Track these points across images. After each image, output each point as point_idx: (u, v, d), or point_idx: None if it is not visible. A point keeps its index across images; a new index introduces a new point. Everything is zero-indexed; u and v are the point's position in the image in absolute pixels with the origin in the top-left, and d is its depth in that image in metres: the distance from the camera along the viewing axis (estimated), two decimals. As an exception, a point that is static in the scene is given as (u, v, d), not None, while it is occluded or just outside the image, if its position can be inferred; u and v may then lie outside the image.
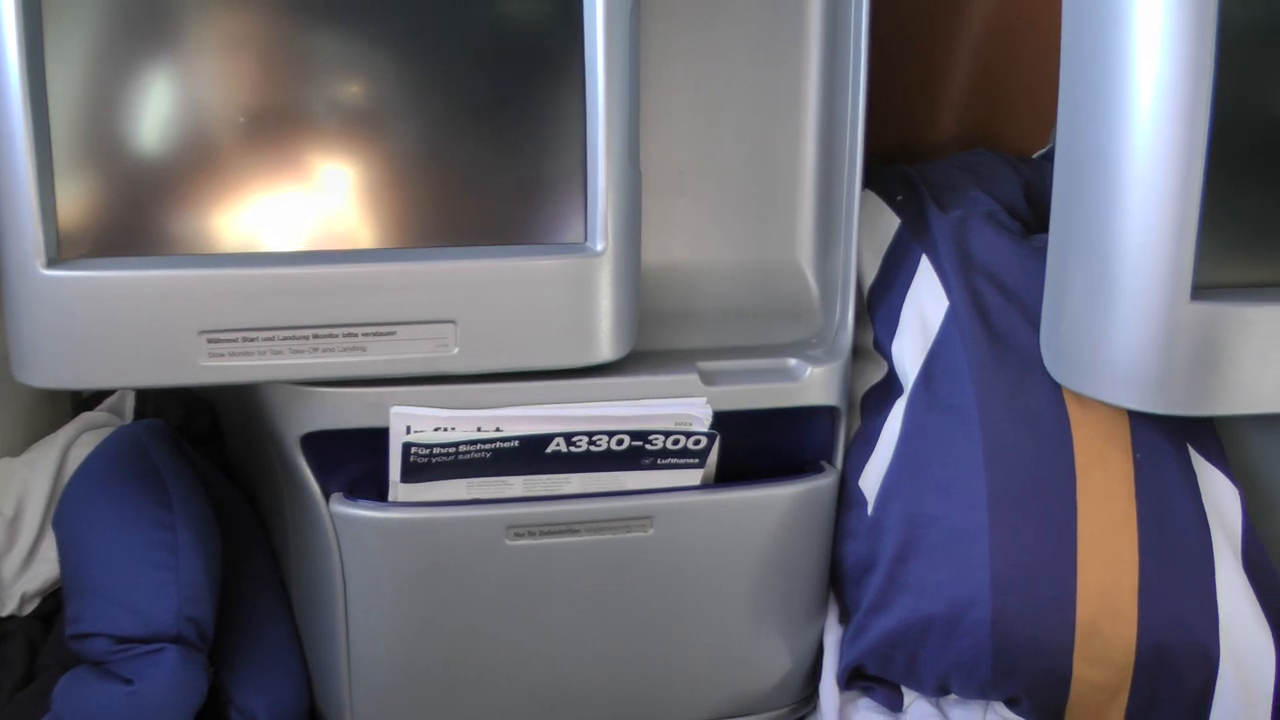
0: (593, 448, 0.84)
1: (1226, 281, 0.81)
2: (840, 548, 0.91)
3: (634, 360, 0.85)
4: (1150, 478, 0.84)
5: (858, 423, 0.94)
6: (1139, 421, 0.85)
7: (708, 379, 0.85)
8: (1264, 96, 0.81)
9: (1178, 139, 0.76)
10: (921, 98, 1.13)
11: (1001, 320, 0.88)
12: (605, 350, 0.83)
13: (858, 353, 0.95)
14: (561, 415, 0.83)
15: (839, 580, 0.92)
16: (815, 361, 0.88)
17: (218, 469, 1.03)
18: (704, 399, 0.85)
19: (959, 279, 0.89)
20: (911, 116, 1.14)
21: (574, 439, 0.84)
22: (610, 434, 0.84)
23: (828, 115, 0.90)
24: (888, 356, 0.92)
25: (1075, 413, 0.85)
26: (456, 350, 0.81)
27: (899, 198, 0.96)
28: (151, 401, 1.10)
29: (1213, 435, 0.89)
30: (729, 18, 0.89)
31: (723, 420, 0.87)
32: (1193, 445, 0.87)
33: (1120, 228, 0.79)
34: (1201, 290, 0.79)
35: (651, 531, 0.87)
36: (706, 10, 0.88)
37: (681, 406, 0.85)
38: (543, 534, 0.86)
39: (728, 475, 0.90)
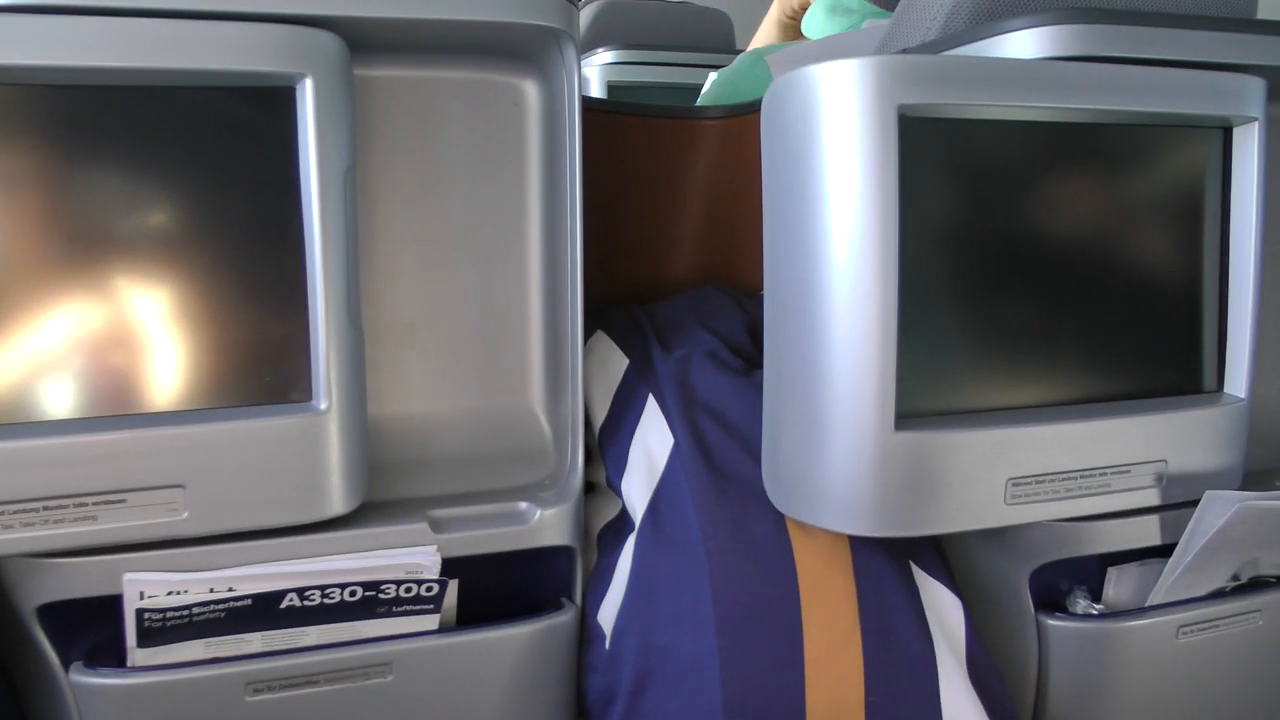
0: (326, 600, 0.90)
1: (927, 410, 0.89)
2: (584, 682, 0.97)
3: (366, 512, 0.91)
4: (872, 596, 0.91)
5: (596, 558, 1.00)
6: (859, 544, 0.93)
7: (438, 527, 0.91)
8: (948, 240, 0.90)
9: (872, 285, 0.84)
10: (659, 237, 1.22)
11: (723, 454, 0.95)
12: (335, 504, 0.89)
13: (595, 490, 1.01)
14: (292, 571, 0.89)
15: (585, 714, 0.98)
16: (546, 504, 0.94)
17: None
18: (434, 547, 0.91)
19: (682, 416, 0.97)
20: (651, 256, 1.22)
21: (307, 593, 0.89)
22: (342, 586, 0.89)
23: (551, 264, 0.97)
24: (619, 494, 0.99)
25: (798, 539, 0.92)
26: (186, 514, 0.85)
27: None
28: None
29: (933, 550, 0.97)
30: (451, 175, 0.95)
31: (460, 564, 0.92)
32: (914, 562, 0.95)
33: (826, 365, 0.87)
34: (904, 420, 0.87)
35: (391, 678, 0.92)
36: (429, 168, 0.95)
37: (411, 555, 0.91)
38: (282, 688, 0.90)
39: (475, 615, 0.95)
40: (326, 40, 0.83)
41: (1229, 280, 1.01)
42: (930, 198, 0.88)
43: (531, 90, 0.96)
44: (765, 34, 1.82)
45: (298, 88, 0.83)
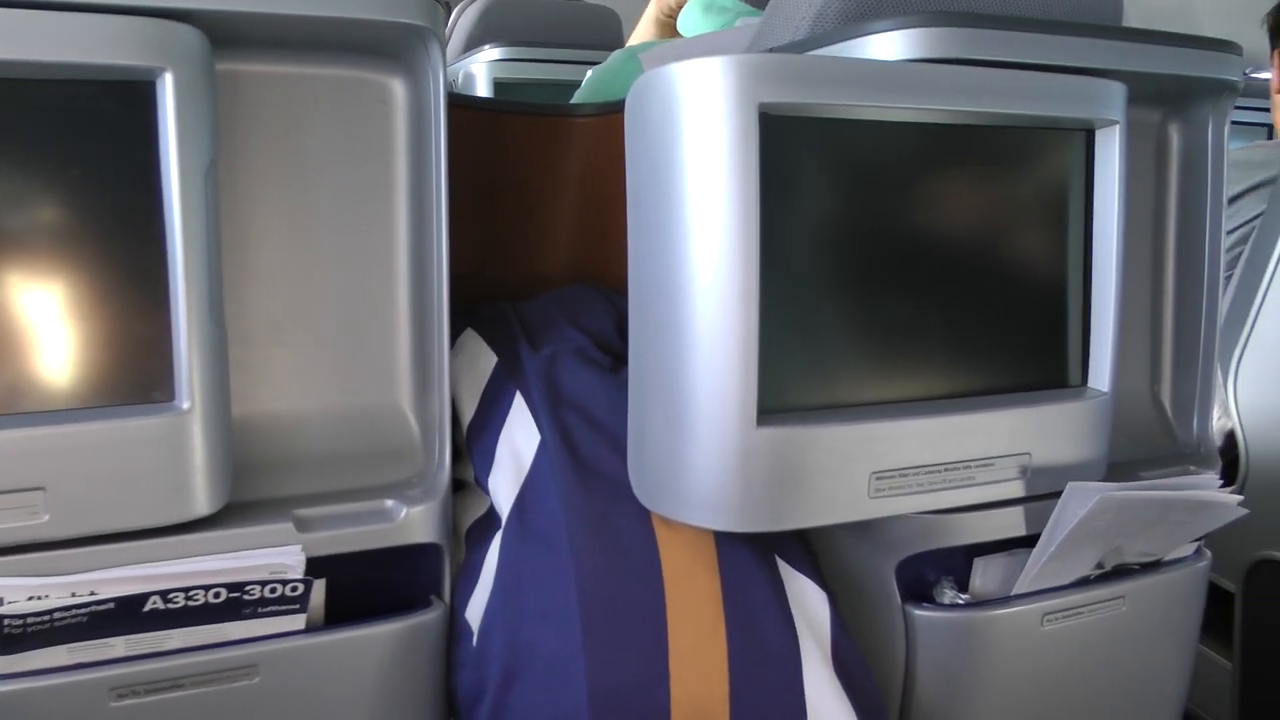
0: (190, 602, 0.90)
1: (790, 406, 0.91)
2: (453, 679, 0.98)
3: (231, 512, 0.91)
4: (737, 591, 0.93)
5: (464, 556, 1.01)
6: (724, 539, 0.94)
7: (302, 526, 0.91)
8: (812, 237, 0.92)
9: (732, 282, 0.86)
10: (534, 234, 1.23)
11: (590, 451, 0.97)
12: (199, 505, 0.89)
13: (464, 488, 1.03)
14: (154, 574, 0.88)
15: (455, 711, 1.00)
16: (412, 501, 0.95)
17: None
18: (298, 546, 0.91)
19: (549, 414, 0.98)
20: (526, 253, 1.24)
21: (170, 596, 0.89)
22: (206, 588, 0.90)
23: (418, 262, 0.97)
24: (487, 491, 1.00)
25: (663, 535, 0.94)
26: (47, 517, 0.84)
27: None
28: None
29: (799, 544, 0.99)
30: (318, 172, 0.95)
31: (327, 563, 0.93)
32: (780, 555, 0.97)
33: (687, 362, 0.88)
34: (767, 415, 0.88)
35: (258, 679, 0.92)
36: (295, 165, 0.94)
37: (275, 556, 0.91)
38: (147, 692, 0.90)
39: (345, 614, 0.96)
40: (187, 34, 0.83)
41: (1092, 277, 1.04)
42: (793, 195, 0.90)
43: (399, 88, 0.97)
44: (643, 31, 1.83)
45: (157, 82, 0.83)
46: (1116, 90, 1.01)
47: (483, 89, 2.17)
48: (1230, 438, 1.80)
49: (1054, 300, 1.03)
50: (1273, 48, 2.06)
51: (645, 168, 0.90)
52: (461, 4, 2.66)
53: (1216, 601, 1.80)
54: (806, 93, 0.88)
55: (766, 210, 0.86)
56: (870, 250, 0.94)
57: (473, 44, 2.46)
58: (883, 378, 0.95)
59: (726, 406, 0.87)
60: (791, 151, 0.89)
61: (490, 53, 2.19)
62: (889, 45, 0.96)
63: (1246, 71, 2.10)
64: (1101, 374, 1.03)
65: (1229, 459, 1.81)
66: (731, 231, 0.85)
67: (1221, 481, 1.06)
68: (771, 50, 1.05)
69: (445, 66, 0.94)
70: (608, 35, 2.60)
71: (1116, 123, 1.01)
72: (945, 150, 0.97)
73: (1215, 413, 1.73)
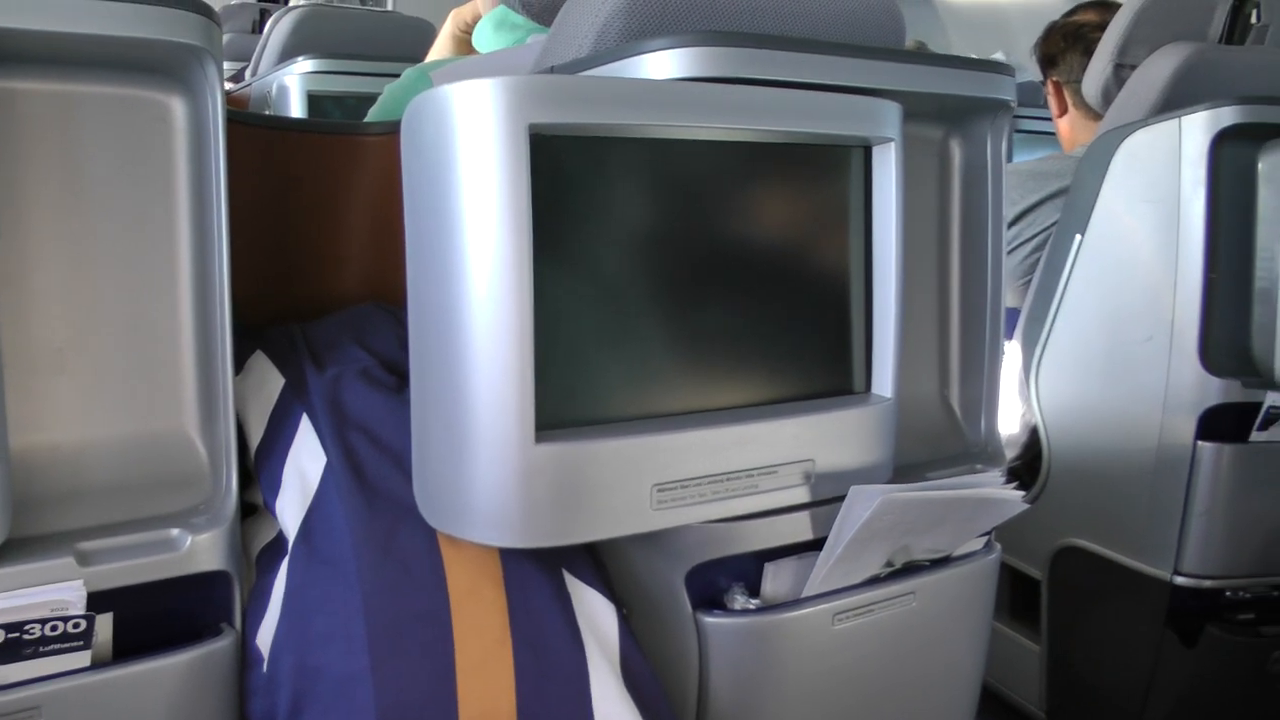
0: (-36, 645, 0.83)
1: (570, 421, 0.88)
2: (247, 706, 0.93)
3: (10, 549, 0.83)
4: (523, 606, 0.89)
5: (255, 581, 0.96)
6: (510, 554, 0.90)
7: (85, 560, 0.85)
8: (589, 254, 0.89)
9: (506, 301, 0.83)
10: (325, 254, 1.18)
11: (375, 472, 0.92)
12: (-25, 542, 0.83)
13: (255, 511, 0.97)
14: (-77, 616, 0.82)
15: (250, 739, 0.94)
16: (198, 529, 0.89)
17: None
18: (79, 581, 0.85)
19: (334, 435, 0.93)
20: (318, 273, 1.18)
21: (-58, 638, 0.83)
22: (-19, 629, 0.83)
23: (202, 284, 0.92)
24: (275, 515, 0.95)
25: (448, 553, 0.89)
26: None
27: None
28: None
29: (587, 557, 0.95)
30: (97, 192, 0.88)
31: (114, 597, 0.87)
32: (567, 569, 0.93)
33: (465, 381, 0.85)
34: (545, 432, 0.85)
35: (42, 721, 0.86)
36: (73, 185, 0.88)
37: (55, 592, 0.84)
38: (-81, 741, 0.84)
39: (136, 647, 0.90)
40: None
41: (873, 288, 1.02)
42: (569, 213, 0.87)
43: (178, 107, 0.91)
44: (440, 47, 1.79)
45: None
46: (891, 109, 0.99)
47: (296, 101, 2.09)
48: (1034, 432, 1.81)
49: (838, 310, 1.01)
50: (1044, 77, 2.10)
51: (421, 187, 0.86)
52: (275, 15, 2.57)
53: (1024, 588, 1.81)
54: (577, 113, 0.84)
55: (540, 229, 0.82)
56: (651, 266, 0.91)
57: (287, 55, 2.36)
58: (666, 391, 0.92)
59: (504, 424, 0.83)
60: (564, 170, 0.85)
61: (304, 65, 2.11)
62: (665, 64, 0.93)
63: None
64: (884, 380, 1.01)
65: (1033, 453, 1.82)
66: (504, 251, 0.81)
67: (1010, 480, 1.04)
68: (553, 69, 1.01)
69: (223, 84, 0.89)
70: (423, 48, 2.52)
71: (892, 140, 0.99)
72: (724, 166, 0.94)
73: (1019, 409, 1.73)
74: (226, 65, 2.93)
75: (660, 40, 0.93)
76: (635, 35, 0.99)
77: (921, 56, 1.09)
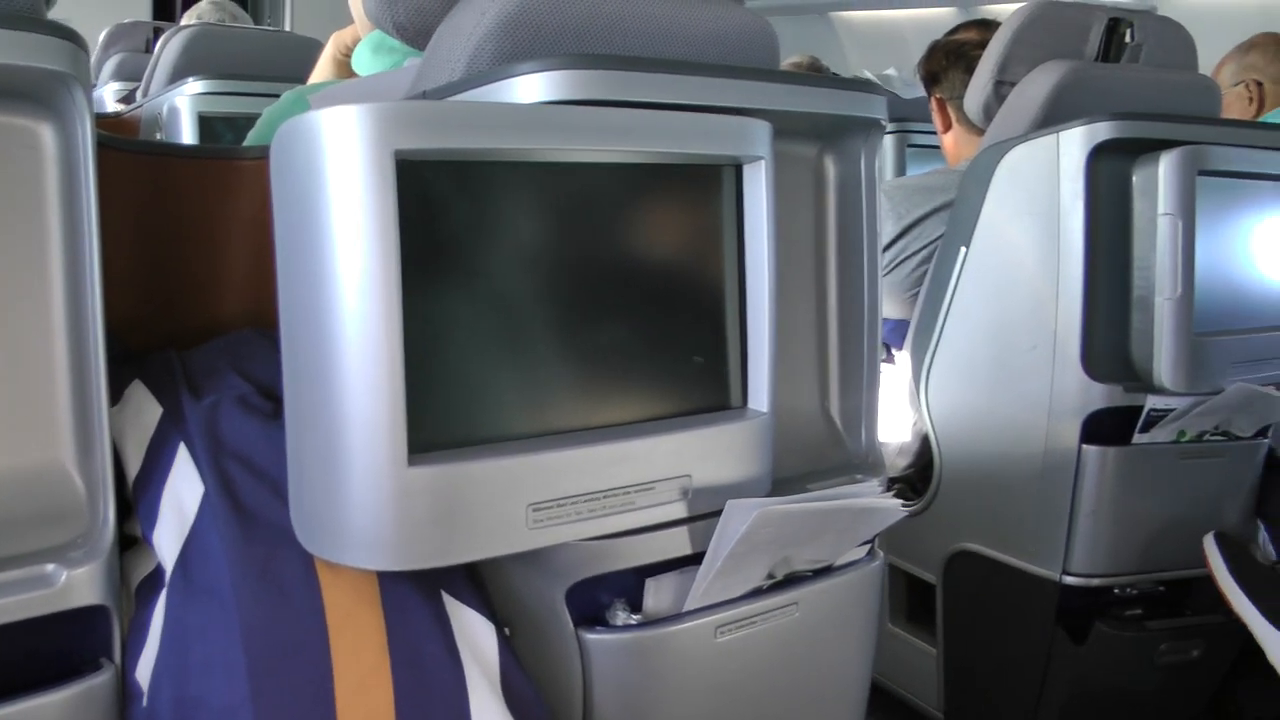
0: None
1: (444, 443, 0.87)
2: (126, 741, 0.91)
3: (-121, 596, 0.82)
4: (401, 628, 0.88)
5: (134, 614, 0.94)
6: (387, 577, 0.90)
7: (-46, 600, 0.83)
8: (461, 277, 0.88)
9: (376, 325, 0.82)
10: (206, 280, 1.17)
11: (253, 500, 0.91)
12: None
13: (136, 543, 0.95)
14: None
15: (131, 773, 0.92)
16: (74, 564, 0.87)
17: None
18: (-52, 625, 0.83)
19: (211, 464, 0.92)
20: (200, 299, 1.17)
21: None
22: None
23: (75, 314, 0.89)
24: (152, 546, 0.93)
25: (326, 577, 0.88)
26: None
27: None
28: None
29: (465, 577, 0.95)
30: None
31: (-11, 636, 0.85)
32: (445, 589, 0.93)
33: (338, 405, 0.84)
34: (419, 455, 0.84)
35: (-94, 767, 0.83)
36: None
37: (-79, 639, 0.83)
38: None
39: (20, 686, 0.87)
40: None
41: (747, 304, 1.03)
42: (440, 236, 0.86)
43: (46, 133, 0.89)
44: (321, 70, 1.78)
45: None
46: (761, 128, 1.00)
47: (187, 123, 2.05)
48: (926, 440, 1.84)
49: (714, 327, 1.02)
50: (929, 95, 2.13)
51: (290, 212, 0.85)
52: (165, 34, 2.51)
53: (920, 592, 1.83)
54: (443, 138, 0.84)
55: (410, 253, 0.82)
56: (526, 287, 0.91)
57: (178, 76, 2.29)
58: (542, 410, 0.92)
59: (377, 447, 0.83)
60: (433, 194, 0.85)
61: (195, 85, 2.07)
62: (535, 87, 0.93)
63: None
64: (760, 395, 1.02)
65: (925, 460, 1.84)
66: (371, 276, 0.81)
67: (896, 487, 1.06)
68: (425, 93, 1.00)
69: (92, 109, 0.87)
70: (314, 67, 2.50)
71: (763, 158, 1.00)
72: (597, 187, 0.95)
73: (911, 417, 1.75)
74: (118, 86, 2.87)
75: (530, 64, 0.93)
76: (508, 58, 0.99)
77: (792, 76, 1.11)
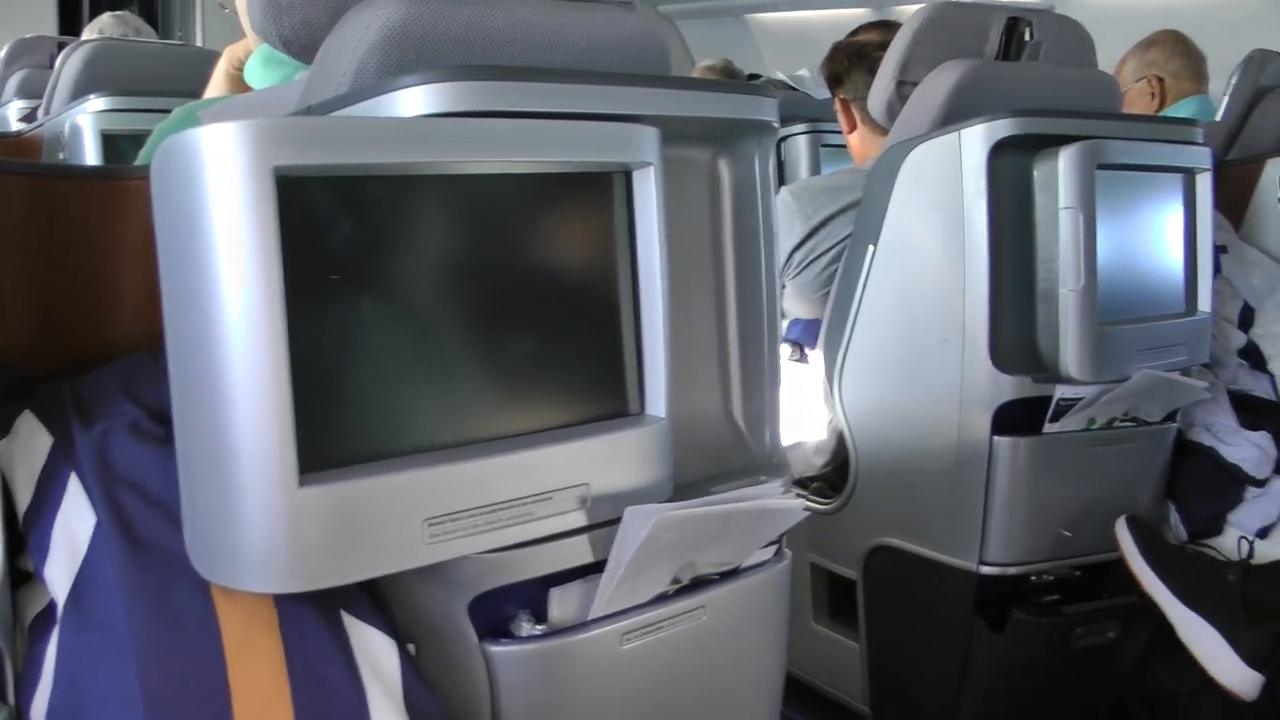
0: None
1: (335, 461, 0.86)
2: (21, 782, 0.89)
3: None
4: (299, 650, 0.87)
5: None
6: (284, 599, 0.88)
7: None
8: (347, 294, 0.87)
9: (260, 344, 0.80)
10: (100, 303, 1.14)
11: (147, 528, 0.89)
12: None
13: (29, 580, 0.93)
14: None
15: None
16: (-40, 603, 0.85)
17: None
18: None
19: (103, 493, 0.89)
20: (95, 323, 1.14)
21: None
22: None
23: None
24: (44, 581, 0.91)
25: (222, 604, 0.87)
26: None
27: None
28: None
29: (364, 595, 0.94)
30: None
31: None
32: (345, 609, 0.91)
33: (225, 427, 0.82)
34: (310, 475, 0.83)
35: None
36: None
37: None
38: None
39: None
40: None
41: (641, 310, 1.03)
42: (325, 252, 0.85)
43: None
44: (215, 85, 1.75)
45: None
46: (648, 134, 1.00)
47: (90, 142, 1.99)
48: (841, 438, 1.84)
49: (609, 334, 1.02)
50: (833, 95, 2.15)
51: (172, 230, 0.84)
52: (66, 50, 2.45)
53: (841, 589, 1.84)
54: (323, 154, 0.83)
55: (293, 270, 0.81)
56: (415, 300, 0.91)
57: (79, 93, 2.21)
58: (435, 424, 0.91)
59: (266, 468, 0.81)
60: (316, 211, 0.84)
61: (97, 103, 2.01)
62: (417, 100, 0.93)
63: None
64: (657, 400, 1.02)
65: (842, 458, 1.85)
66: (254, 294, 0.80)
67: (807, 485, 1.06)
68: (310, 108, 0.99)
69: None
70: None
71: (651, 164, 1.00)
72: (485, 199, 0.94)
73: (827, 416, 1.76)
74: (21, 104, 2.81)
75: (412, 77, 0.93)
76: (394, 71, 0.98)
77: (680, 81, 1.11)
